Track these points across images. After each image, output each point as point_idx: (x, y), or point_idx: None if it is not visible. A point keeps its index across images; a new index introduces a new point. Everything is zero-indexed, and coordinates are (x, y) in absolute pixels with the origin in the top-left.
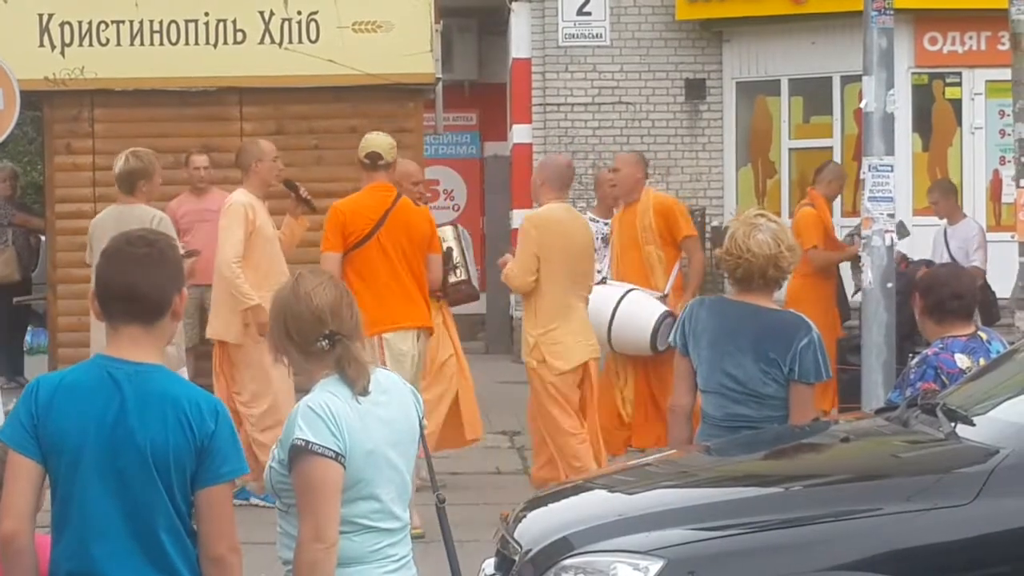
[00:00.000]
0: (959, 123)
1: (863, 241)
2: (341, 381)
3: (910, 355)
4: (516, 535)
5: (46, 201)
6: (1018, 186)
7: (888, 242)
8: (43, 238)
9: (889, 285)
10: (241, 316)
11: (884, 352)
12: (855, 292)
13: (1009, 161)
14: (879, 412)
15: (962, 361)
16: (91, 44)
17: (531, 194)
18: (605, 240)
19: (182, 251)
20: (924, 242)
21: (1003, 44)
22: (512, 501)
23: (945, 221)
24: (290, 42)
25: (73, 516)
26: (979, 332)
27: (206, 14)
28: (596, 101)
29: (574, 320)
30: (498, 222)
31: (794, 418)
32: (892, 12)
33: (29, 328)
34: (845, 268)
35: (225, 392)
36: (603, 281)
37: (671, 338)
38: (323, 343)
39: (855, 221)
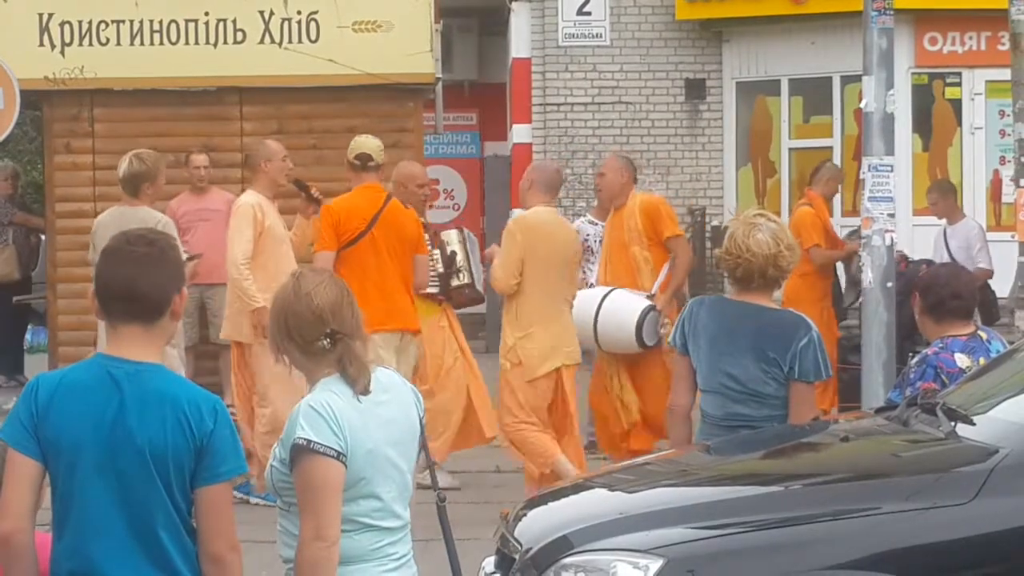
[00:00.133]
0: (959, 123)
1: (863, 240)
2: (342, 380)
3: (910, 354)
4: (516, 533)
5: (46, 200)
6: (1018, 186)
7: (888, 242)
8: (43, 237)
9: (889, 285)
10: (250, 317)
11: (884, 351)
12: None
13: (1009, 161)
14: (879, 411)
15: (962, 360)
16: (91, 44)
17: (519, 196)
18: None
19: (184, 254)
20: (924, 242)
21: (1003, 44)
22: (512, 500)
23: (945, 221)
24: (290, 42)
25: (73, 515)
26: (979, 332)
27: (206, 14)
28: (596, 101)
29: (554, 325)
30: (498, 222)
31: (794, 417)
32: (892, 12)
33: (29, 327)
34: (841, 268)
35: (244, 392)
36: (590, 286)
37: (670, 338)
38: (324, 342)
39: (855, 221)
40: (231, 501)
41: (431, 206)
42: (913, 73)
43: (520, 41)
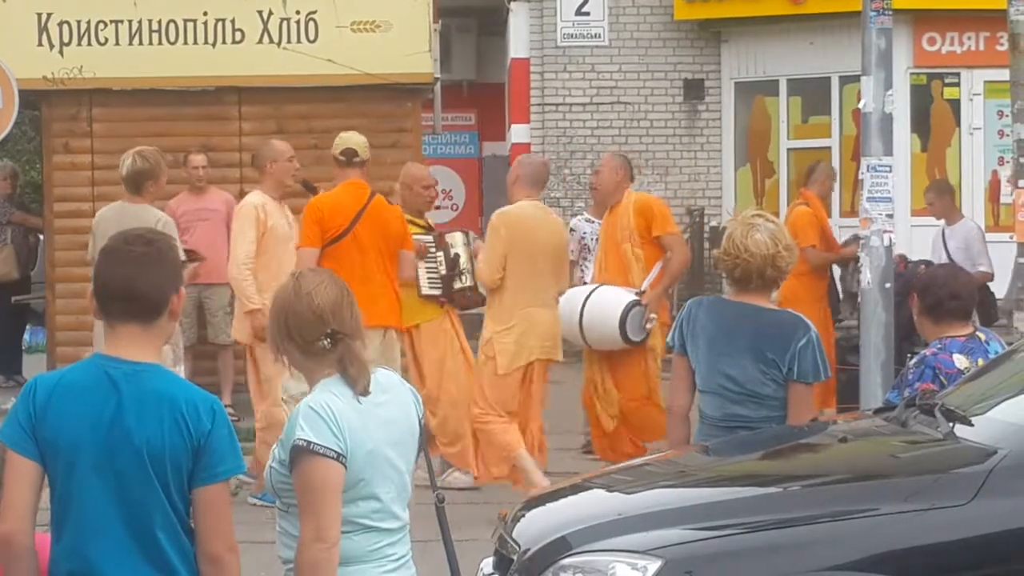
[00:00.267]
0: (958, 123)
1: (862, 242)
2: (342, 381)
3: (908, 355)
4: (515, 534)
5: (44, 200)
6: (1016, 187)
7: (886, 242)
8: (42, 237)
9: (888, 285)
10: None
11: (883, 352)
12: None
13: (1008, 161)
14: (877, 412)
15: (960, 361)
16: (90, 43)
17: (507, 191)
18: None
19: (183, 254)
20: (923, 243)
21: (1002, 44)
22: (511, 501)
23: (943, 222)
24: (289, 42)
25: (71, 515)
26: (977, 332)
27: (205, 13)
28: (594, 101)
29: (535, 320)
30: None
31: (793, 418)
32: (891, 12)
33: (27, 327)
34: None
35: (257, 393)
36: (586, 283)
37: (668, 339)
38: (324, 342)
39: (853, 221)
40: (229, 501)
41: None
42: (912, 73)
43: (519, 41)
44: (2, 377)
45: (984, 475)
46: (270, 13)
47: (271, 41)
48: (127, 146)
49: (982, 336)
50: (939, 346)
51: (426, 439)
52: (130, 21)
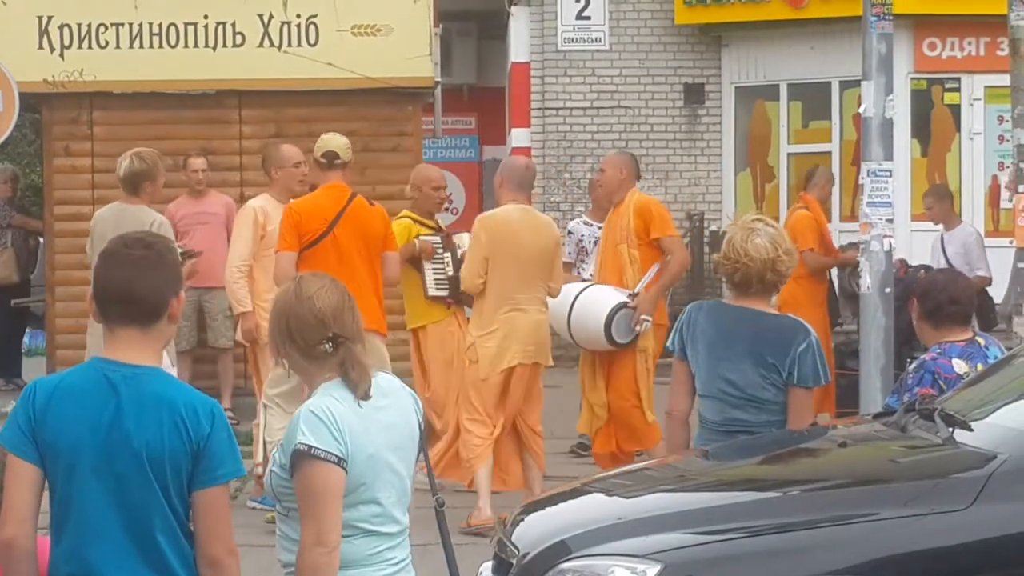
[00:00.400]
0: (958, 128)
1: (861, 246)
2: (343, 385)
3: (908, 360)
4: (514, 538)
5: (45, 203)
6: (1015, 192)
7: (886, 247)
8: (42, 240)
9: (887, 290)
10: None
11: (882, 357)
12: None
13: (1008, 167)
14: (877, 417)
15: (960, 366)
16: (90, 46)
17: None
18: (599, 243)
19: (180, 250)
20: (923, 248)
21: (1002, 49)
22: (511, 504)
23: (941, 227)
24: (289, 45)
25: (71, 518)
26: (977, 337)
27: (205, 17)
28: (595, 105)
29: (516, 325)
30: None
31: (792, 423)
32: (891, 17)
33: (27, 330)
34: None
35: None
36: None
37: (668, 343)
38: (326, 346)
39: (853, 226)
40: (228, 504)
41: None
42: (912, 78)
43: (519, 45)
44: (1, 380)
45: (984, 480)
46: (271, 17)
47: (272, 45)
48: (127, 149)
49: (981, 341)
50: (938, 351)
51: (426, 443)
52: (131, 24)
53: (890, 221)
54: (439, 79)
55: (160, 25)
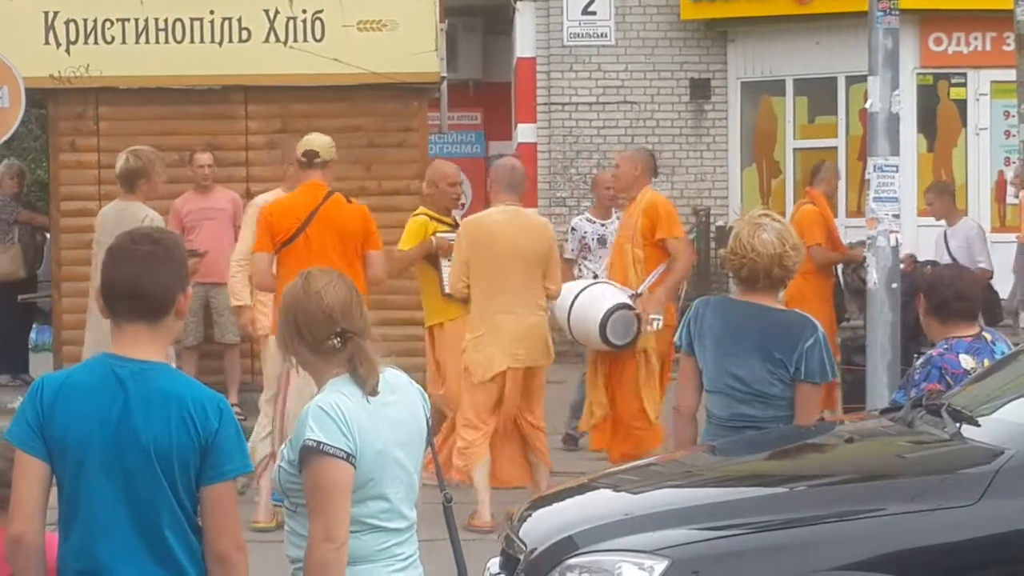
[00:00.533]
0: (964, 124)
1: (868, 242)
2: (351, 381)
3: (915, 356)
4: (521, 534)
5: (51, 199)
6: (1021, 187)
7: (893, 242)
8: (48, 235)
9: (894, 286)
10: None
11: (889, 352)
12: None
13: (1015, 162)
14: (884, 413)
15: (966, 362)
16: (96, 42)
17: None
18: (602, 241)
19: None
20: (929, 243)
21: (1008, 45)
22: (517, 500)
23: (944, 222)
24: (295, 41)
25: (79, 514)
26: (984, 333)
27: (211, 12)
28: (601, 100)
29: (502, 329)
30: None
31: (799, 418)
32: (897, 12)
33: (34, 325)
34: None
35: None
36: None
37: (675, 338)
38: (335, 341)
39: (859, 221)
40: (236, 500)
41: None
42: (918, 73)
43: (525, 40)
44: (8, 376)
45: (991, 475)
46: (276, 12)
47: (277, 40)
48: (133, 144)
49: (988, 336)
50: (945, 346)
51: (434, 438)
52: (137, 20)
53: (896, 216)
54: (445, 74)
55: (166, 21)
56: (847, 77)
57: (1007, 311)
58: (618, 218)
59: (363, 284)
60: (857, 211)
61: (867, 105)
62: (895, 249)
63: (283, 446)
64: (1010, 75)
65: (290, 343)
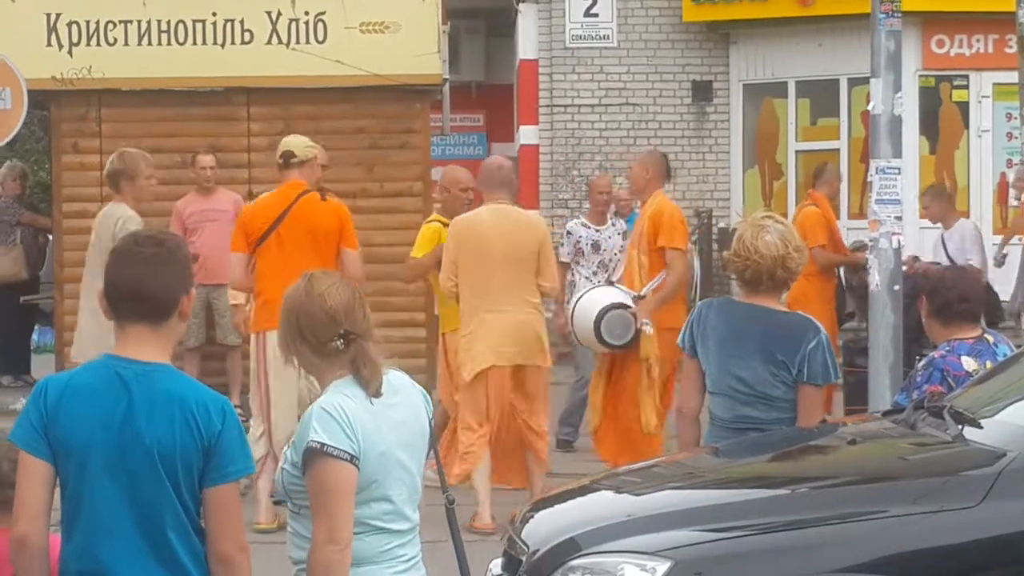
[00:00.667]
0: (966, 126)
1: (870, 243)
2: (355, 383)
3: (917, 357)
4: (523, 535)
5: (53, 200)
6: (1022, 190)
7: (895, 244)
8: (51, 237)
9: (896, 288)
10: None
11: (891, 354)
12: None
13: (1016, 164)
14: (886, 415)
15: (968, 364)
16: (99, 44)
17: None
18: (595, 246)
19: None
20: (931, 245)
21: (1010, 47)
22: (520, 501)
23: (941, 225)
24: (297, 42)
25: (82, 515)
26: (986, 335)
27: (214, 14)
28: (603, 102)
29: (489, 326)
30: None
31: (802, 420)
32: (900, 14)
33: (36, 327)
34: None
35: None
36: (572, 285)
37: (679, 340)
38: (338, 343)
39: (861, 223)
40: (239, 501)
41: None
42: (920, 75)
43: (527, 42)
44: (10, 377)
45: (993, 477)
46: (279, 14)
47: (280, 42)
48: (136, 146)
49: (990, 338)
50: (947, 348)
51: (436, 440)
52: (139, 21)
53: (899, 218)
54: (447, 76)
55: (168, 22)
56: (849, 79)
57: (1009, 313)
58: (613, 223)
59: None
60: (859, 213)
61: (869, 107)
62: (897, 251)
63: (286, 447)
64: (1012, 77)
65: (292, 345)
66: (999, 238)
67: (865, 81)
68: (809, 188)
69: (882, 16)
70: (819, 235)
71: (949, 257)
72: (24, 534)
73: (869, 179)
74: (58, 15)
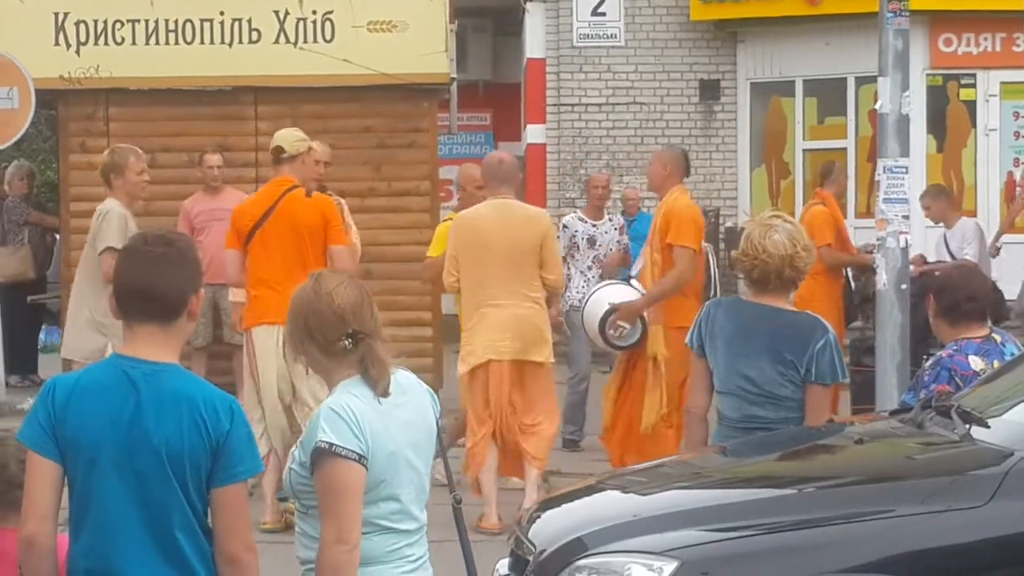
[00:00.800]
0: (973, 124)
1: (877, 243)
2: (363, 382)
3: (924, 357)
4: (530, 535)
5: (60, 200)
6: None
7: (903, 243)
8: (58, 236)
9: (904, 287)
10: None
11: (898, 354)
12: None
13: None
14: (893, 414)
15: (976, 363)
16: (106, 43)
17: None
18: (591, 241)
19: None
20: (934, 244)
21: (1018, 46)
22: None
23: (942, 225)
24: (305, 41)
25: (90, 515)
26: (993, 334)
27: (221, 13)
28: (610, 101)
29: (488, 320)
30: None
31: (810, 419)
32: (907, 13)
33: (43, 326)
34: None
35: None
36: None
37: (687, 339)
38: (346, 342)
39: (869, 222)
40: (247, 501)
41: (445, 206)
42: (928, 74)
43: (535, 41)
44: (18, 377)
45: (1001, 477)
46: (286, 13)
47: (287, 41)
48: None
49: (998, 338)
50: (955, 348)
51: (443, 440)
52: (147, 21)
53: (906, 217)
54: (455, 75)
55: (176, 22)
56: (857, 78)
57: (1016, 313)
58: (610, 219)
59: None
60: (866, 212)
61: (877, 106)
62: (905, 250)
63: (294, 447)
64: (1019, 76)
65: (300, 344)
66: (1007, 237)
67: (873, 80)
68: (816, 187)
69: (890, 15)
70: (827, 234)
71: (952, 256)
72: (33, 534)
73: (876, 178)
74: (66, 14)
